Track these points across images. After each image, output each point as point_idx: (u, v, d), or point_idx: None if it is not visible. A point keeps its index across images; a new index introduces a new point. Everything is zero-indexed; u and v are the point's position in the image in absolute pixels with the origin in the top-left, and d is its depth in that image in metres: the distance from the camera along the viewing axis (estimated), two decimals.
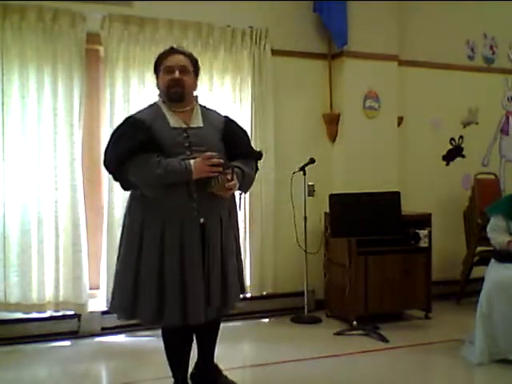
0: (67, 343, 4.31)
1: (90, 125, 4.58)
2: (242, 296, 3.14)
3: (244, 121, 4.84)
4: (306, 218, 4.88)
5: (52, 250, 4.28)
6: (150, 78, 4.52)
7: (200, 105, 3.05)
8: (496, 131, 6.04)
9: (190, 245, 2.80)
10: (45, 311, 4.30)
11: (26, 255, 4.20)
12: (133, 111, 4.41)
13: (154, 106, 3.02)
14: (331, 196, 4.55)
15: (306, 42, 5.18)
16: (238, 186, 2.90)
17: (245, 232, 4.85)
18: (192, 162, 2.78)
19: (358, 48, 5.11)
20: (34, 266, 4.23)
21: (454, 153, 5.82)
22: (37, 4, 4.19)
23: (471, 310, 4.05)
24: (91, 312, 4.42)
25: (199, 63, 3.08)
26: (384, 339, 4.26)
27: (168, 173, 2.75)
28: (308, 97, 5.20)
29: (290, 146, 5.07)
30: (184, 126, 2.90)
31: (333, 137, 5.26)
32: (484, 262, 4.61)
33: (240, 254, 3.14)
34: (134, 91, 4.50)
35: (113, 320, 4.47)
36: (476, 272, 5.24)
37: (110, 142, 2.92)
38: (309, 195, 4.99)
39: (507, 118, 6.09)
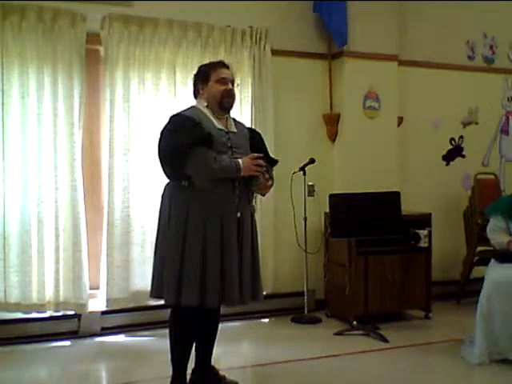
0: (67, 343, 4.31)
1: (90, 125, 4.58)
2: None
3: (244, 121, 4.84)
4: (305, 218, 4.88)
5: (52, 250, 4.28)
6: (150, 78, 4.54)
7: (229, 116, 3.30)
8: (496, 131, 6.04)
9: (228, 236, 3.03)
10: (45, 311, 4.30)
11: (26, 255, 4.20)
12: (133, 111, 4.49)
13: (195, 108, 3.20)
14: (331, 196, 4.55)
15: (306, 42, 5.18)
16: (271, 187, 3.21)
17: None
18: (240, 160, 3.03)
19: (358, 48, 5.11)
20: (34, 266, 4.22)
21: (454, 153, 5.82)
22: (37, 4, 4.19)
23: (471, 310, 4.05)
24: (91, 312, 4.42)
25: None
26: (384, 339, 4.27)
27: (223, 168, 2.99)
28: (308, 97, 5.20)
29: (290, 146, 5.07)
30: (225, 128, 3.16)
31: (333, 137, 5.26)
32: (484, 261, 4.61)
33: (258, 255, 3.31)
34: (134, 91, 4.50)
35: (113, 320, 4.50)
36: (476, 272, 5.24)
37: (164, 137, 3.07)
38: (309, 195, 4.99)
39: (507, 118, 6.09)
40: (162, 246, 3.13)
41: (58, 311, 4.34)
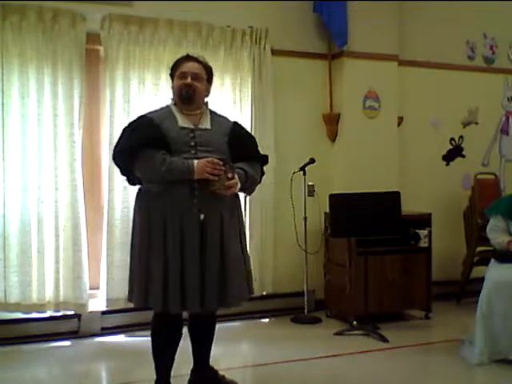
0: (67, 343, 4.31)
1: (90, 125, 4.58)
2: (249, 296, 3.18)
3: (244, 121, 4.84)
4: (305, 218, 4.88)
5: (52, 250, 4.28)
6: (150, 78, 4.54)
7: (210, 110, 3.20)
8: (496, 131, 6.04)
9: (189, 241, 2.91)
10: (45, 311, 4.30)
11: (26, 255, 4.20)
12: (133, 111, 4.49)
13: (165, 107, 3.16)
14: (331, 196, 4.55)
15: (306, 42, 5.18)
16: (239, 185, 3.00)
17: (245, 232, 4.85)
18: (195, 162, 2.90)
19: (358, 48, 5.11)
20: (34, 266, 4.22)
21: (454, 153, 5.82)
22: (37, 4, 4.19)
23: (471, 310, 4.05)
24: (91, 312, 4.42)
25: (213, 71, 3.24)
26: (384, 339, 4.27)
27: (171, 170, 2.88)
28: (308, 97, 5.20)
29: (290, 146, 5.07)
30: (192, 126, 3.04)
31: (333, 137, 5.26)
32: (484, 262, 4.61)
33: (246, 256, 3.18)
34: (134, 91, 4.50)
35: (113, 320, 4.50)
36: (476, 272, 5.24)
37: (120, 138, 3.07)
38: (309, 195, 4.98)
39: (507, 118, 6.09)
40: (132, 253, 3.15)
41: (58, 311, 4.34)
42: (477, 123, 5.90)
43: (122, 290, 4.42)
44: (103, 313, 4.47)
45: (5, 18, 4.14)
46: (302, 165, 4.85)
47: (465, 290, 5.37)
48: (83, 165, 4.41)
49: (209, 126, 3.09)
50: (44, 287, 4.25)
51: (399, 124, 5.40)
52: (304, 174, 4.86)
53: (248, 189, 3.16)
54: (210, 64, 3.24)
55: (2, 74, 4.16)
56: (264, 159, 3.27)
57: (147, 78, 4.53)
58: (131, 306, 4.41)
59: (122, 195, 4.45)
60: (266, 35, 4.90)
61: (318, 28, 5.20)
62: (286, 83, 5.08)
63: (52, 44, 4.26)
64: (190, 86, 3.05)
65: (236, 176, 2.97)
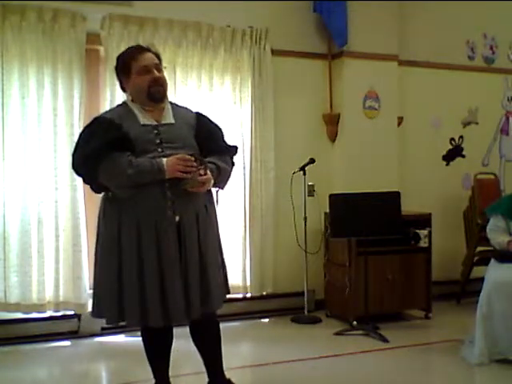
0: (67, 343, 4.32)
1: None
2: (226, 296, 3.02)
3: (244, 121, 4.85)
4: (305, 218, 4.88)
5: (52, 250, 4.28)
6: None
7: (170, 102, 2.96)
8: (496, 131, 6.04)
9: (166, 244, 2.71)
10: (45, 311, 4.30)
11: (26, 255, 4.20)
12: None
13: (122, 105, 2.92)
14: (331, 196, 4.55)
15: (306, 42, 5.18)
16: (212, 181, 2.82)
17: (245, 232, 4.85)
18: (164, 161, 2.70)
19: (358, 48, 5.11)
20: (34, 266, 4.22)
21: (454, 153, 5.82)
22: (37, 4, 4.19)
23: (471, 310, 4.04)
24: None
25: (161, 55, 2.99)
26: (384, 339, 4.26)
27: (139, 173, 2.67)
28: (308, 97, 5.20)
29: (290, 146, 5.07)
30: (155, 123, 2.81)
31: (333, 137, 5.26)
32: (484, 261, 4.61)
33: (222, 254, 3.01)
34: None
35: None
36: (476, 272, 5.23)
37: (77, 144, 2.84)
38: (309, 195, 4.98)
39: (507, 118, 6.09)
40: (96, 267, 2.87)
41: (58, 311, 4.34)
42: (477, 123, 5.90)
43: None
44: None
45: (5, 18, 4.14)
46: (302, 165, 4.85)
47: (465, 290, 5.37)
48: None
49: (172, 121, 2.85)
50: (44, 287, 4.25)
51: (399, 124, 5.40)
52: (304, 173, 4.86)
53: (221, 183, 2.95)
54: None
55: (2, 74, 4.16)
56: (233, 150, 3.03)
57: None
58: None
59: None
60: (265, 35, 4.90)
61: (318, 28, 5.20)
62: (286, 83, 5.08)
63: (52, 44, 4.26)
64: (160, 80, 2.82)
65: (208, 171, 2.77)
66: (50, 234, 4.27)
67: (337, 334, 4.46)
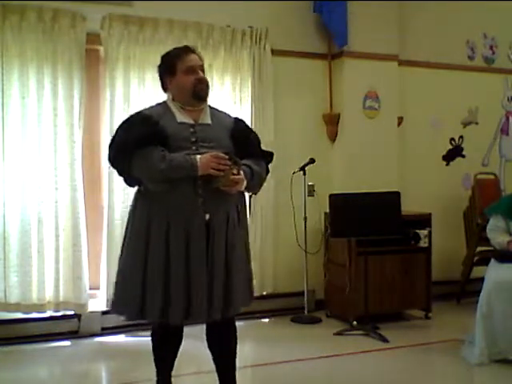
0: (67, 343, 4.32)
1: (90, 125, 4.58)
2: (251, 302, 3.01)
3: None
4: (305, 218, 4.88)
5: (52, 250, 4.28)
6: (150, 78, 4.54)
7: (209, 106, 2.99)
8: (496, 131, 6.04)
9: (194, 243, 2.71)
10: (45, 311, 4.30)
11: (26, 255, 4.20)
12: (133, 111, 4.46)
13: (162, 103, 2.97)
14: (331, 196, 4.55)
15: (306, 42, 5.18)
16: (245, 182, 2.79)
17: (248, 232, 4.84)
18: (198, 157, 2.70)
19: (358, 48, 5.12)
20: (34, 266, 4.23)
21: (454, 153, 5.82)
22: (37, 4, 4.19)
23: (471, 310, 4.05)
24: (91, 312, 4.42)
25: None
26: (384, 339, 4.26)
27: (172, 168, 2.67)
28: (308, 97, 5.20)
29: (290, 146, 5.07)
30: (192, 122, 2.84)
31: (333, 137, 5.26)
32: (484, 261, 4.61)
33: (249, 260, 2.98)
34: (134, 91, 4.51)
35: (113, 320, 4.48)
36: (476, 272, 5.24)
37: (114, 137, 2.85)
38: (309, 195, 4.99)
39: (507, 118, 6.09)
40: (121, 258, 2.87)
41: (58, 311, 4.34)
42: (477, 123, 5.90)
43: None
44: (103, 313, 4.47)
45: (5, 18, 4.14)
46: (302, 165, 4.85)
47: (465, 290, 5.37)
48: (83, 165, 4.41)
49: (209, 121, 2.88)
50: (44, 287, 4.25)
51: (399, 124, 5.40)
52: (304, 174, 4.86)
53: (253, 187, 2.94)
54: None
55: (2, 74, 4.16)
56: (268, 157, 3.05)
57: (147, 78, 4.53)
58: None
59: (122, 195, 4.45)
60: (266, 35, 4.90)
61: (318, 28, 5.21)
62: (286, 83, 5.08)
63: (52, 44, 4.26)
64: (205, 80, 2.87)
65: (242, 172, 2.75)
66: (49, 233, 4.28)
67: (337, 333, 4.46)
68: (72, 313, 4.38)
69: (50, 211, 4.27)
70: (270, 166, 3.06)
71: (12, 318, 4.25)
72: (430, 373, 3.86)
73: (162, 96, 4.49)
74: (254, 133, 3.08)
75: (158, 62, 4.23)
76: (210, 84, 2.94)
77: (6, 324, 4.24)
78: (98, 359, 4.05)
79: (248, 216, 3.01)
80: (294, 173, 4.85)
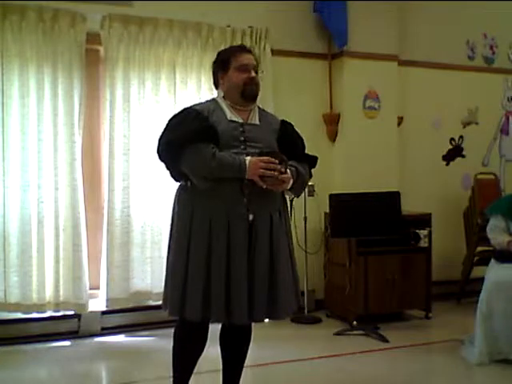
0: (67, 343, 4.31)
1: (90, 125, 4.58)
2: (298, 306, 2.95)
3: None
4: (305, 218, 4.88)
5: (52, 250, 4.28)
6: (150, 78, 4.54)
7: (258, 106, 2.97)
8: (496, 131, 6.04)
9: (236, 243, 2.67)
10: (45, 311, 4.30)
11: (26, 255, 4.20)
12: (133, 111, 4.49)
13: (212, 100, 2.94)
14: (331, 196, 4.55)
15: (306, 42, 5.18)
16: (291, 181, 2.76)
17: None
18: (248, 159, 2.67)
19: (358, 48, 5.12)
20: (34, 266, 4.22)
21: (454, 153, 5.83)
22: (37, 4, 4.19)
23: (471, 310, 4.05)
24: (91, 312, 4.42)
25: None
26: (384, 339, 4.27)
27: (221, 167, 2.65)
28: (308, 97, 5.20)
29: None
30: (241, 121, 2.81)
31: (333, 137, 5.26)
32: (484, 261, 4.61)
33: (294, 264, 2.96)
34: (134, 91, 4.50)
35: (113, 320, 4.50)
36: (476, 272, 5.24)
37: (165, 130, 2.80)
38: (309, 195, 4.98)
39: (507, 118, 6.09)
40: (168, 255, 2.86)
41: (58, 311, 4.34)
42: (477, 123, 5.91)
43: (122, 289, 4.44)
44: (103, 313, 4.47)
45: (5, 18, 4.14)
46: None
47: (465, 290, 5.37)
48: (83, 165, 4.41)
49: (258, 122, 2.86)
50: (44, 287, 4.25)
51: (399, 124, 5.40)
52: None
53: (297, 188, 2.88)
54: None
55: (2, 74, 4.16)
56: (313, 161, 3.01)
57: (147, 78, 4.53)
58: (131, 305, 4.48)
59: (121, 195, 4.45)
60: (266, 35, 4.90)
61: (318, 28, 5.20)
62: (286, 83, 5.08)
63: (52, 44, 4.26)
64: (256, 80, 2.83)
65: (288, 171, 2.72)
66: (50, 233, 4.28)
67: (337, 334, 4.46)
68: (72, 313, 4.38)
69: (49, 211, 4.27)
70: (312, 171, 3.02)
71: (12, 318, 4.24)
72: (430, 373, 3.86)
73: (162, 96, 4.54)
74: (300, 137, 3.07)
75: (158, 61, 4.15)
76: (259, 84, 2.88)
77: (5, 324, 4.24)
78: (98, 359, 4.05)
79: (289, 218, 2.97)
80: None
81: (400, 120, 5.41)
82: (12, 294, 4.19)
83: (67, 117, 4.32)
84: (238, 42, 4.80)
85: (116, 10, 4.44)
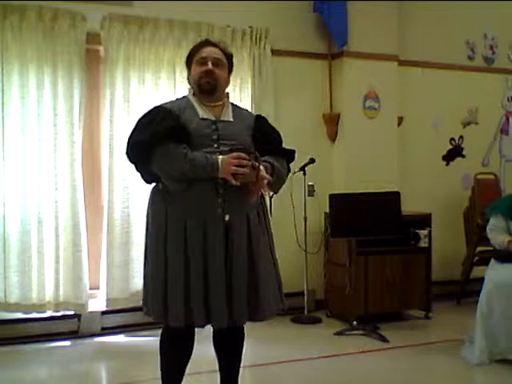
0: (67, 343, 4.32)
1: (90, 125, 4.58)
2: (282, 307, 2.89)
3: None
4: (305, 218, 4.88)
5: (52, 250, 4.28)
6: (150, 78, 4.54)
7: (231, 103, 2.89)
8: (496, 131, 6.04)
9: (212, 245, 2.60)
10: (45, 311, 4.30)
11: (26, 255, 4.20)
12: (133, 111, 4.49)
13: (183, 98, 2.85)
14: (331, 196, 4.55)
15: (306, 42, 5.18)
16: (266, 180, 2.66)
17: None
18: (220, 158, 2.58)
19: (358, 48, 5.12)
20: (34, 266, 4.22)
21: (454, 153, 5.82)
22: (37, 4, 4.19)
23: (471, 310, 4.05)
24: (91, 312, 4.42)
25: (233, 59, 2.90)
26: (384, 339, 4.27)
27: (194, 167, 2.56)
28: (308, 97, 5.20)
29: (289, 146, 5.03)
30: (213, 118, 2.72)
31: (333, 137, 5.26)
32: (484, 261, 4.61)
33: (276, 264, 2.85)
34: (134, 91, 4.50)
35: (113, 320, 4.50)
36: (476, 272, 5.24)
37: (134, 129, 2.71)
38: (309, 195, 4.98)
39: (507, 118, 6.09)
40: (145, 260, 2.78)
41: (58, 311, 4.34)
42: (477, 123, 5.90)
43: (122, 290, 4.44)
44: (103, 313, 4.47)
45: (5, 18, 4.14)
46: (302, 165, 4.84)
47: (465, 290, 5.37)
48: (83, 165, 4.41)
49: (231, 119, 2.77)
50: (44, 287, 4.25)
51: (399, 124, 5.40)
52: (304, 174, 4.86)
53: (274, 185, 2.80)
54: (231, 52, 2.87)
55: (2, 74, 4.16)
56: (289, 154, 2.95)
57: (147, 78, 4.53)
58: (131, 305, 4.47)
59: (121, 195, 4.46)
60: (266, 35, 4.90)
61: (318, 28, 5.20)
62: (286, 83, 5.08)
63: (52, 44, 4.26)
64: (211, 72, 2.72)
65: (262, 168, 2.63)
66: (50, 233, 4.27)
67: (337, 333, 4.46)
68: (72, 313, 4.38)
69: (50, 211, 4.27)
70: (290, 164, 2.97)
71: (12, 317, 4.25)
72: (430, 373, 3.85)
73: (162, 96, 4.54)
74: (276, 131, 2.99)
75: (158, 61, 4.15)
76: (220, 77, 2.75)
77: (6, 324, 4.24)
78: (98, 359, 4.05)
79: (269, 216, 2.89)
80: (294, 173, 4.83)
81: (400, 120, 5.41)
82: (12, 293, 4.19)
83: (67, 117, 4.32)
84: (238, 42, 4.81)
85: (116, 10, 4.44)
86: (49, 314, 4.33)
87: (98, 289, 4.52)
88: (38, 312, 4.28)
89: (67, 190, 4.31)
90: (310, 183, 5.01)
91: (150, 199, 2.79)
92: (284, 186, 2.97)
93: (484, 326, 3.75)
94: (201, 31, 4.67)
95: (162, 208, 2.68)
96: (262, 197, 2.84)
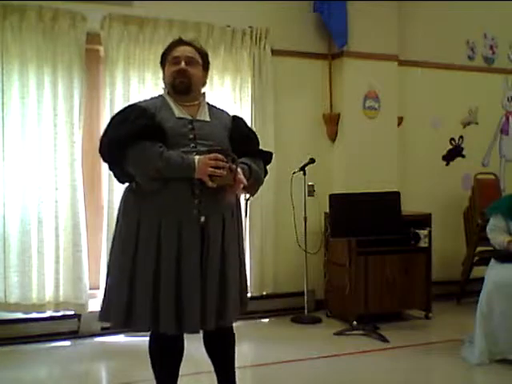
0: (67, 343, 4.32)
1: (90, 125, 4.58)
2: (244, 309, 2.88)
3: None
4: (305, 218, 4.88)
5: (52, 250, 4.28)
6: (150, 78, 4.54)
7: (208, 103, 2.83)
8: (496, 131, 6.04)
9: (187, 247, 2.54)
10: (45, 311, 4.30)
11: (26, 255, 4.20)
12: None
13: (158, 97, 2.79)
14: (331, 196, 4.55)
15: (306, 42, 5.18)
16: (243, 182, 2.61)
17: (245, 232, 4.85)
18: (196, 159, 2.53)
19: (358, 48, 5.12)
20: (34, 266, 4.22)
21: (454, 153, 5.82)
22: (37, 4, 4.19)
23: (471, 310, 4.05)
24: (91, 312, 4.41)
25: (209, 57, 2.84)
26: (384, 339, 4.27)
27: (169, 166, 2.50)
28: (308, 97, 5.20)
29: (290, 146, 5.07)
30: (190, 117, 2.67)
31: (333, 137, 5.26)
32: (484, 261, 4.61)
33: (243, 266, 2.82)
34: (134, 91, 4.50)
35: None
36: (476, 272, 5.24)
37: (107, 128, 2.65)
38: (309, 195, 4.98)
39: (507, 118, 6.09)
40: (110, 262, 2.69)
41: (58, 311, 4.35)
42: (477, 123, 5.90)
43: None
44: None
45: (5, 18, 4.14)
46: (302, 165, 4.85)
47: (465, 290, 5.37)
48: (83, 165, 4.41)
49: (208, 118, 2.72)
50: (44, 287, 4.25)
51: (399, 124, 5.40)
52: (304, 174, 4.86)
53: (252, 187, 2.74)
54: (206, 51, 2.82)
55: (2, 74, 4.16)
56: (267, 156, 2.89)
57: (147, 78, 4.53)
58: None
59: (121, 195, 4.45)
60: (265, 35, 4.90)
61: (318, 28, 5.20)
62: (286, 83, 5.08)
63: (52, 44, 4.26)
64: (185, 72, 2.67)
65: (240, 170, 2.58)
66: (50, 233, 4.28)
67: (337, 333, 4.46)
68: (72, 313, 4.38)
69: (50, 211, 4.27)
70: (268, 166, 2.92)
71: (12, 317, 4.25)
72: (430, 373, 3.86)
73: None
74: (253, 132, 2.96)
75: (158, 61, 4.17)
76: (194, 76, 2.70)
77: (6, 324, 4.24)
78: (98, 359, 4.05)
79: (244, 220, 2.87)
80: (294, 173, 4.85)
81: (400, 120, 5.41)
82: (12, 293, 4.19)
83: (67, 117, 4.32)
84: (238, 42, 4.81)
85: (116, 10, 4.45)
86: (49, 313, 4.33)
87: (98, 289, 4.51)
88: (38, 312, 4.28)
89: (67, 190, 4.32)
90: (310, 183, 5.01)
91: (122, 199, 2.72)
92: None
93: (484, 325, 3.75)
94: (200, 31, 4.67)
95: (134, 207, 2.62)
96: (237, 198, 2.80)
